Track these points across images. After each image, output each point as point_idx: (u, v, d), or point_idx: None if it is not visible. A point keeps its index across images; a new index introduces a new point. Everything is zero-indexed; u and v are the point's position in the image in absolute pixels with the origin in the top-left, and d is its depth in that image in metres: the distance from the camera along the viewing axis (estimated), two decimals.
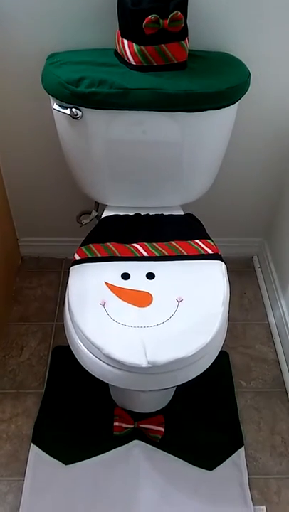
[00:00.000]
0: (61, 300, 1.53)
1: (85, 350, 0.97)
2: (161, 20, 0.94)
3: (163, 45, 0.98)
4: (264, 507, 1.13)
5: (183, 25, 0.97)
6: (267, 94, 1.23)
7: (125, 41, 1.00)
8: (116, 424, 1.21)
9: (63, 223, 1.54)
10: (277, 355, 1.44)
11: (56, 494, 1.12)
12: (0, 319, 1.44)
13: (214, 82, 1.03)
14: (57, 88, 1.01)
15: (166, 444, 1.21)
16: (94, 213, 1.39)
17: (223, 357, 1.40)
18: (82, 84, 0.99)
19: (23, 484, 1.14)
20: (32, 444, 1.20)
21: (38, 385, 1.33)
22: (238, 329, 1.50)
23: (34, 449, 1.19)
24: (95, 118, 1.04)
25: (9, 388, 1.32)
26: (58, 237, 1.61)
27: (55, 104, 1.05)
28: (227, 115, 1.10)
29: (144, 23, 0.94)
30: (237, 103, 1.09)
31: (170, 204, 1.26)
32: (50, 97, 1.06)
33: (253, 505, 1.13)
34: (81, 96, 0.99)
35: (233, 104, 1.07)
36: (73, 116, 1.03)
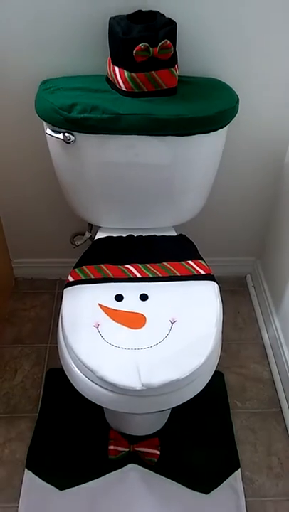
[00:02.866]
0: (55, 321, 1.52)
1: (79, 372, 0.97)
2: (151, 49, 0.97)
3: (153, 72, 1.01)
4: None
5: (172, 52, 1.00)
6: (255, 117, 1.26)
7: (116, 68, 1.02)
8: (111, 447, 1.19)
9: (57, 245, 1.55)
10: (272, 375, 1.44)
11: None
12: None
13: (203, 106, 1.05)
14: (50, 114, 1.03)
15: (162, 467, 1.19)
16: (87, 234, 1.40)
17: (218, 377, 1.40)
18: (74, 110, 1.01)
19: (17, 510, 1.12)
20: (26, 470, 1.18)
21: (32, 408, 1.32)
22: (233, 349, 1.50)
23: (28, 475, 1.17)
24: (87, 142, 1.06)
25: (3, 412, 1.31)
26: (51, 258, 1.62)
27: (48, 129, 1.07)
28: (216, 139, 1.13)
29: (134, 51, 0.97)
30: (226, 127, 1.11)
31: (163, 225, 1.27)
32: (44, 122, 1.08)
33: None
34: (74, 121, 1.01)
35: (222, 128, 1.09)
36: (66, 141, 1.05)
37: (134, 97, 1.03)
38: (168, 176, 1.15)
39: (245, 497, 1.16)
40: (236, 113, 1.11)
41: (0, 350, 1.46)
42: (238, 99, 1.11)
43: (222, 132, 1.12)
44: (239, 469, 1.21)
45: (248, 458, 1.24)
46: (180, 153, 1.11)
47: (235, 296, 1.66)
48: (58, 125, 1.04)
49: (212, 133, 1.08)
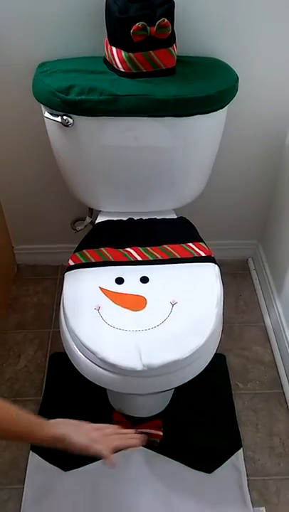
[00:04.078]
0: (58, 307, 1.52)
1: (81, 355, 0.97)
2: (148, 28, 0.96)
3: (151, 51, 0.99)
4: (263, 508, 1.13)
5: (170, 31, 0.99)
6: (256, 97, 1.24)
7: (114, 49, 1.01)
8: None
9: (58, 230, 1.55)
10: (274, 357, 1.44)
11: (56, 501, 1.12)
12: None
13: (203, 86, 1.04)
14: (47, 96, 1.03)
15: (165, 447, 1.21)
16: (88, 219, 1.40)
17: (220, 359, 1.41)
18: (72, 92, 1.00)
19: (23, 491, 1.14)
20: (31, 452, 1.20)
21: (36, 392, 1.33)
22: (235, 331, 1.51)
23: (33, 457, 1.19)
24: (86, 125, 1.06)
25: (7, 396, 1.32)
26: (53, 244, 1.62)
27: (46, 112, 1.06)
28: (216, 119, 1.12)
29: (131, 31, 0.95)
30: (226, 107, 1.10)
31: (163, 208, 1.27)
32: (41, 105, 1.07)
33: (253, 506, 1.13)
34: (71, 104, 1.01)
35: (222, 108, 1.08)
36: (64, 124, 1.05)
37: (132, 78, 1.02)
38: (168, 159, 1.15)
39: (247, 476, 1.18)
40: (236, 92, 1.10)
41: (3, 336, 1.47)
42: (237, 78, 1.10)
43: (222, 113, 1.11)
44: (241, 449, 1.22)
45: (250, 438, 1.26)
46: (180, 135, 1.10)
47: (237, 280, 1.66)
48: (55, 108, 1.03)
49: (212, 113, 1.07)
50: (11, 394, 1.33)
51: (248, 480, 1.17)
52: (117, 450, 0.81)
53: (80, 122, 1.05)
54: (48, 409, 1.28)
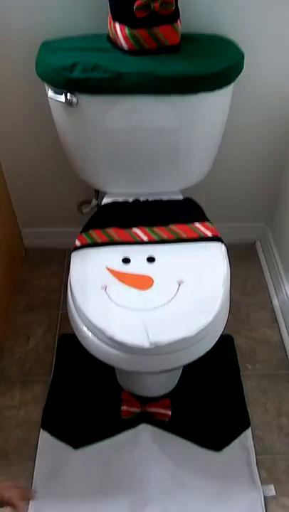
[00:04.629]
0: (66, 290, 1.53)
1: (89, 333, 0.98)
2: (151, 3, 0.94)
3: (155, 27, 0.98)
4: (272, 485, 1.14)
5: (174, 7, 0.97)
6: (261, 74, 1.23)
7: (117, 25, 1.00)
8: (123, 408, 1.22)
9: (65, 213, 1.56)
10: (282, 338, 1.44)
11: (67, 478, 1.14)
12: (6, 309, 1.46)
13: (208, 63, 1.03)
14: (51, 74, 1.02)
15: (174, 426, 1.22)
16: (94, 202, 1.40)
17: (227, 340, 1.41)
18: (76, 70, 0.99)
19: (33, 468, 1.16)
20: (41, 430, 1.22)
21: (46, 372, 1.35)
22: (242, 313, 1.50)
23: (44, 434, 1.21)
24: (90, 104, 1.05)
25: (17, 376, 1.34)
26: (60, 227, 1.63)
27: (50, 92, 1.06)
28: (222, 98, 1.11)
29: (134, 6, 0.94)
30: (232, 85, 1.09)
31: (169, 189, 1.26)
32: (46, 85, 1.07)
33: (262, 484, 1.14)
34: (75, 81, 1.00)
35: (227, 85, 1.07)
36: (68, 104, 1.04)
37: (136, 55, 1.01)
38: (174, 140, 1.14)
39: (255, 454, 1.18)
40: (242, 69, 1.09)
41: (12, 318, 1.49)
42: (243, 55, 1.08)
43: (227, 91, 1.09)
44: (250, 428, 1.23)
45: (259, 418, 1.26)
46: (185, 115, 1.09)
47: (245, 263, 1.65)
48: (59, 86, 1.03)
49: (217, 91, 1.06)
50: (20, 374, 1.35)
51: (256, 458, 1.18)
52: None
53: (84, 102, 1.04)
54: (58, 389, 1.30)
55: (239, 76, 1.09)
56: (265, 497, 1.11)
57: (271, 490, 1.13)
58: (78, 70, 0.99)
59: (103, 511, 1.08)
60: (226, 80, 1.06)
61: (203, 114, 1.11)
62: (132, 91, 1.01)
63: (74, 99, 1.03)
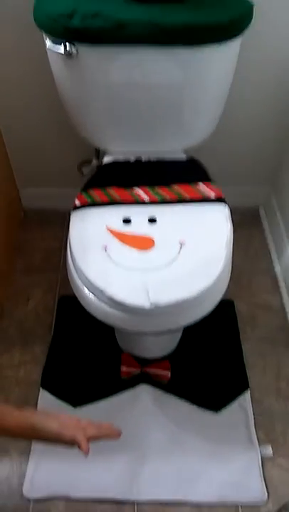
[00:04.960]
0: (66, 251, 1.52)
1: (89, 294, 0.97)
2: None
3: None
4: (270, 446, 1.15)
5: None
6: (270, 29, 1.16)
7: None
8: (123, 369, 1.23)
9: (65, 174, 1.52)
10: (283, 304, 1.43)
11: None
12: (5, 271, 1.45)
13: (215, 13, 0.97)
14: (49, 23, 0.97)
15: (173, 387, 1.23)
16: (95, 162, 1.36)
17: (228, 305, 1.40)
18: (75, 18, 0.94)
19: None
20: (41, 389, 1.23)
21: (45, 333, 1.35)
22: (244, 279, 1.49)
23: (43, 393, 1.22)
24: (90, 56, 1.00)
25: (17, 337, 1.35)
26: (60, 188, 1.59)
27: (48, 42, 1.00)
28: (230, 51, 1.05)
29: None
30: (240, 38, 1.03)
31: (172, 148, 1.22)
32: (44, 35, 1.01)
33: (259, 445, 1.15)
34: (74, 30, 0.95)
35: (235, 37, 1.01)
36: (68, 55, 0.99)
37: (139, 3, 0.95)
38: (178, 96, 1.09)
39: (254, 416, 1.20)
40: (250, 21, 1.03)
41: (12, 279, 1.48)
42: (252, 6, 1.02)
43: (235, 44, 1.04)
44: (248, 390, 1.24)
45: (258, 381, 1.27)
46: (191, 69, 1.04)
47: (248, 228, 1.63)
48: (57, 35, 0.97)
49: (224, 45, 1.00)
50: (20, 335, 1.35)
51: (254, 420, 1.19)
52: (92, 440, 0.72)
53: (84, 53, 0.99)
54: (58, 349, 1.30)
55: (247, 30, 1.03)
56: (262, 457, 1.13)
57: (268, 450, 1.14)
58: (78, 18, 0.94)
59: (102, 468, 1.10)
60: (233, 31, 1.00)
61: (209, 68, 1.06)
62: (135, 41, 0.95)
63: (73, 50, 0.98)
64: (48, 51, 1.03)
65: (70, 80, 1.08)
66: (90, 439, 0.71)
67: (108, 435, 0.73)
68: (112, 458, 1.11)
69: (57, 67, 1.07)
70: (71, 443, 0.70)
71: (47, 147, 1.46)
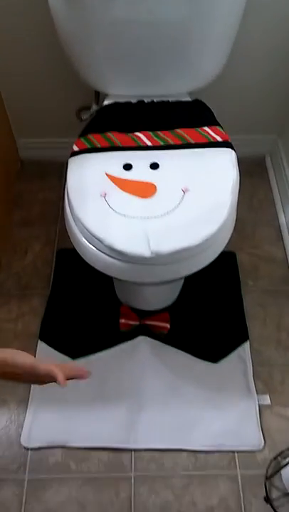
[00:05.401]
0: (64, 203, 1.48)
1: (87, 243, 0.94)
2: None
3: None
4: (267, 395, 1.16)
5: None
6: None
7: None
8: (122, 321, 1.21)
9: (63, 122, 1.45)
10: (286, 255, 1.41)
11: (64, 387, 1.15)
12: (2, 223, 1.40)
13: None
14: None
15: (172, 339, 1.22)
16: (94, 107, 1.29)
17: (230, 257, 1.38)
18: None
19: None
20: (39, 341, 1.22)
21: (44, 286, 1.33)
22: (247, 230, 1.46)
23: (42, 345, 1.21)
24: None
25: (15, 290, 1.32)
26: (57, 137, 1.52)
27: None
28: None
29: None
30: None
31: (176, 91, 1.15)
32: None
33: (257, 394, 1.16)
34: None
35: None
36: None
37: None
38: (184, 32, 1.02)
39: (253, 366, 1.19)
40: None
41: (9, 232, 1.44)
42: None
43: None
44: (248, 341, 1.23)
45: (258, 332, 1.26)
46: (198, 2, 0.95)
47: (253, 177, 1.57)
48: None
49: None
50: (18, 288, 1.33)
51: (253, 370, 1.19)
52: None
53: None
54: (56, 302, 1.29)
55: None
56: (259, 406, 1.14)
57: (266, 399, 1.15)
58: None
59: (100, 415, 1.11)
60: None
61: (217, 3, 0.98)
62: None
63: None
64: None
65: (70, 16, 0.99)
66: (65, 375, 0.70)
67: (79, 375, 0.72)
68: (110, 407, 1.12)
69: (56, 2, 0.98)
70: (48, 376, 0.68)
71: (45, 93, 1.38)
